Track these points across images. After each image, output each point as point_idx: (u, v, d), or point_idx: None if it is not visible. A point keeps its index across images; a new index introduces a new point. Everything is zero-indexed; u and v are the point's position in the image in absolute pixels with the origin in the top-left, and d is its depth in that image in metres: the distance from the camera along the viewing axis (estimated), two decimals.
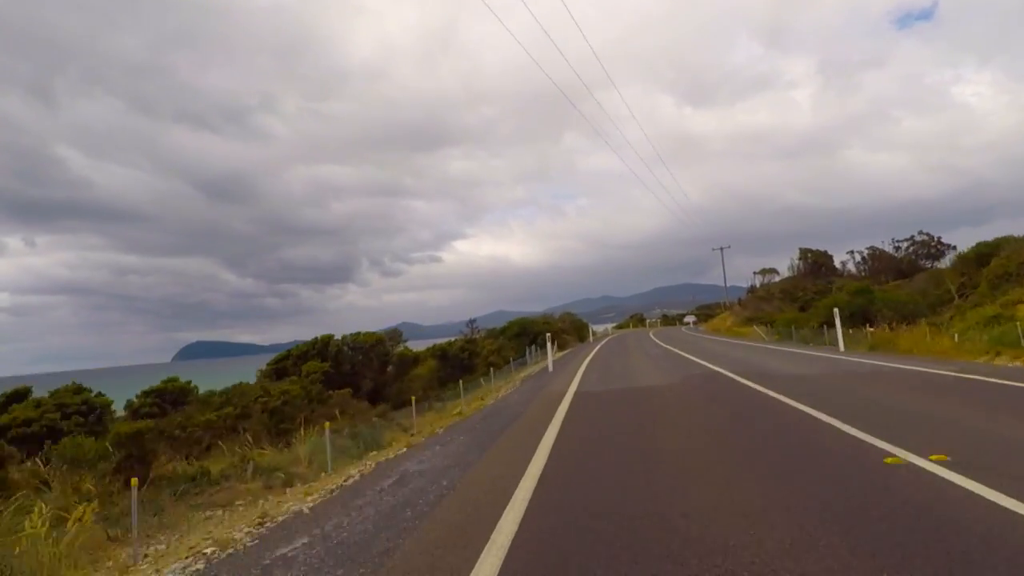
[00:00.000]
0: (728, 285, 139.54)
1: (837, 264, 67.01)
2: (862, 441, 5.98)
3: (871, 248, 63.01)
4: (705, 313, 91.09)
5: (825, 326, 27.12)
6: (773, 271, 77.88)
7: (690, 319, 65.21)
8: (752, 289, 79.16)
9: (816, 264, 65.59)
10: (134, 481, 5.25)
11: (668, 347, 31.71)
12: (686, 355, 24.75)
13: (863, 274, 63.21)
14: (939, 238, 53.54)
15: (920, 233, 55.74)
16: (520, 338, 36.80)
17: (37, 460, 10.56)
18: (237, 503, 7.55)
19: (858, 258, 64.59)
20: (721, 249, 64.32)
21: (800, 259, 66.95)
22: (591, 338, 51.95)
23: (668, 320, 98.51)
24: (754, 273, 79.31)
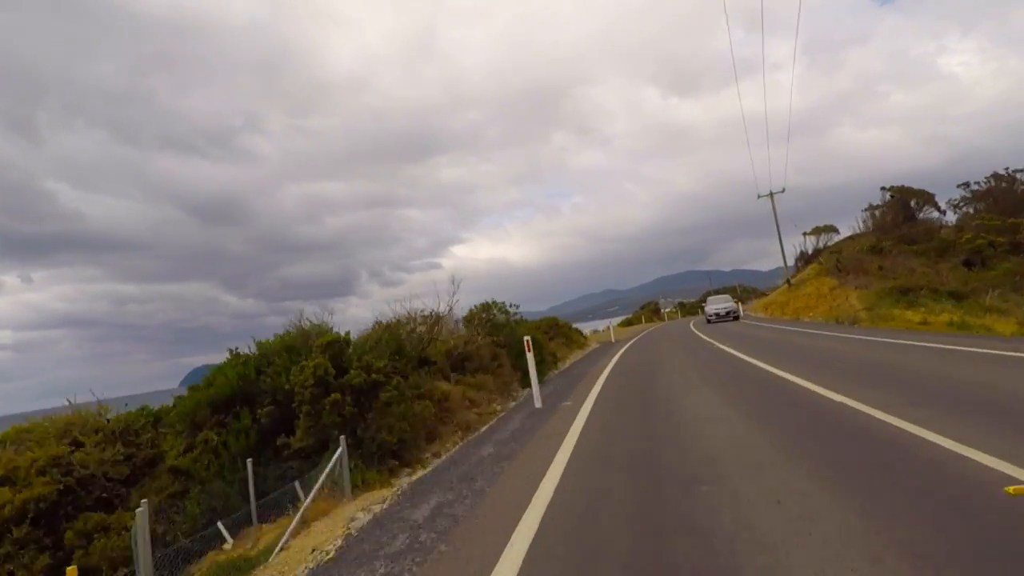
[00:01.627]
0: (731, 269, 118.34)
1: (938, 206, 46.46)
2: None
3: (994, 177, 42.08)
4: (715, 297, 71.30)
5: None
6: (831, 228, 57.50)
7: (718, 307, 33.95)
8: (807, 256, 58.75)
9: (907, 207, 44.99)
10: None
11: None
12: None
13: (980, 214, 42.74)
14: None
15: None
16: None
17: None
18: None
19: (961, 195, 43.96)
20: (771, 195, 43.76)
21: (882, 206, 46.48)
22: (585, 350, 29.24)
23: (691, 308, 78.07)
24: (804, 235, 59.15)
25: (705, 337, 20.09)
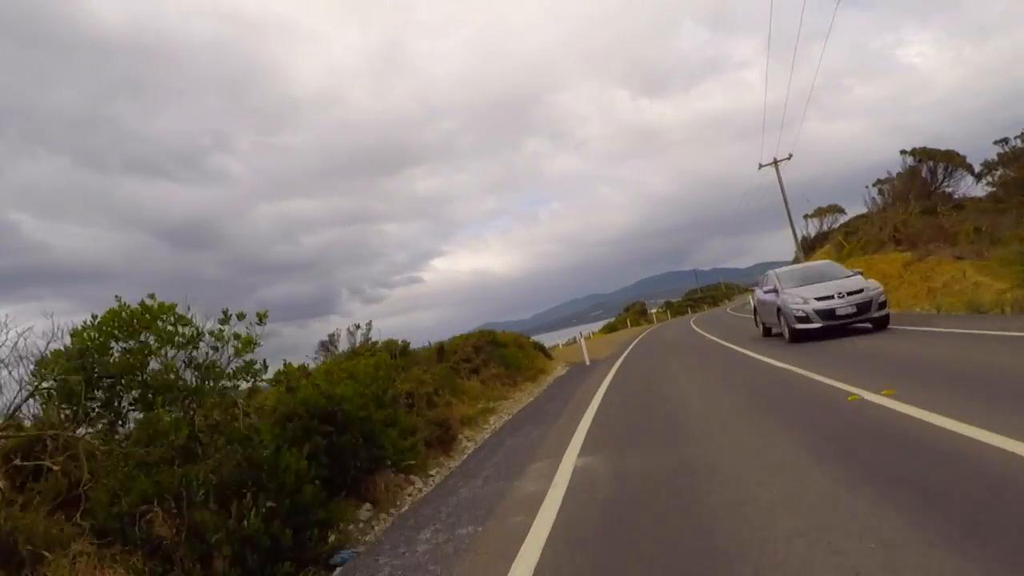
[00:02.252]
0: (709, 268, 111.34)
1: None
2: None
3: None
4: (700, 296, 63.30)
5: None
6: (837, 209, 49.82)
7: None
8: (809, 240, 50.96)
9: (932, 174, 37.30)
10: None
11: None
12: None
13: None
14: None
15: None
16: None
17: None
18: None
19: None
20: (775, 162, 35.67)
21: (904, 174, 38.75)
22: (542, 384, 18.53)
23: (679, 308, 70.17)
24: (805, 217, 51.45)
25: (787, 367, 9.32)
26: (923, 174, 37.67)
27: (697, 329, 25.80)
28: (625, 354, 19.12)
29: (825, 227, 49.93)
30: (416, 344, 13.55)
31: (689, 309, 72.41)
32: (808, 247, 50.97)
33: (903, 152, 36.97)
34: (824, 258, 40.70)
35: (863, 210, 45.30)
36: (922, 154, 35.10)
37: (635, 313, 47.58)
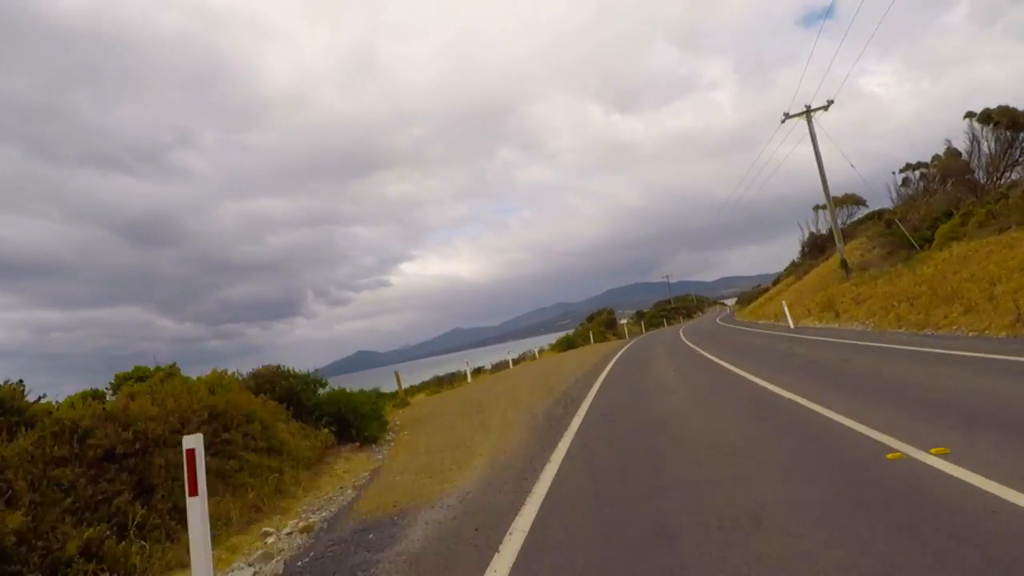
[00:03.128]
0: (676, 281, 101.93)
1: None
2: None
3: None
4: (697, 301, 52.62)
5: None
6: (855, 200, 39.75)
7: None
8: (818, 239, 40.73)
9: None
10: None
11: None
12: None
13: None
14: None
15: None
16: None
17: None
18: None
19: None
20: (808, 112, 24.77)
21: (948, 154, 28.65)
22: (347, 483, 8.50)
23: (652, 319, 59.67)
24: (816, 209, 41.29)
25: None
26: (985, 147, 27.80)
27: (711, 357, 14.56)
28: (589, 405, 8.08)
29: (840, 222, 39.92)
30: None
31: (664, 320, 62.12)
32: (816, 245, 40.99)
33: (969, 114, 26.94)
34: (857, 252, 30.51)
35: (894, 199, 35.62)
36: (1005, 115, 25.02)
37: (601, 324, 37.06)
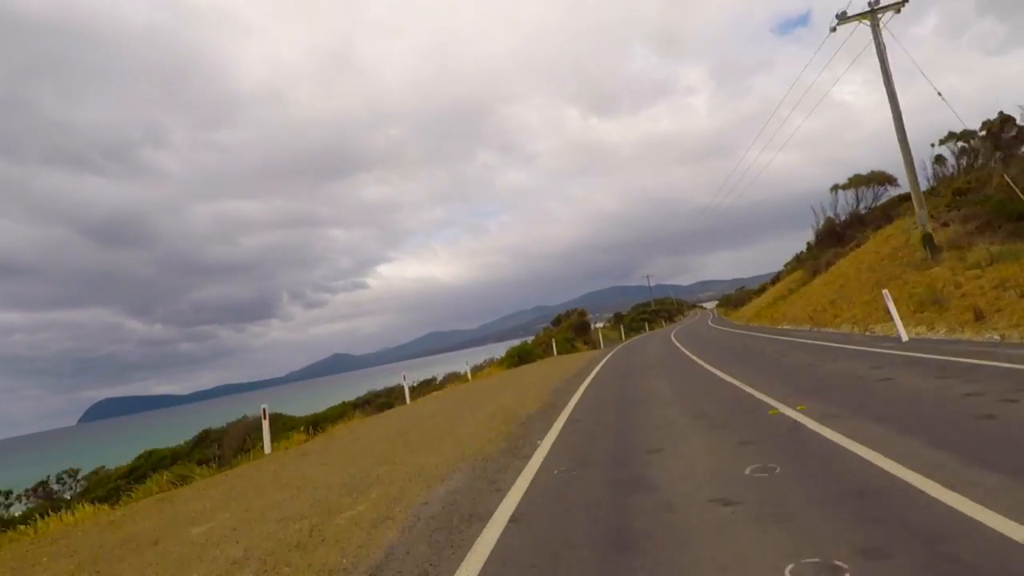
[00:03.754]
0: (654, 284, 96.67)
1: None
2: None
3: None
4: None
5: None
6: (883, 178, 31.82)
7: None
8: (837, 226, 32.68)
9: None
10: None
11: None
12: None
13: None
14: None
15: None
16: None
17: None
18: None
19: None
20: (872, 10, 16.35)
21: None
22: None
23: (633, 323, 51.52)
24: (834, 189, 33.16)
25: None
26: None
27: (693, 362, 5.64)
28: None
29: (863, 204, 32.05)
30: None
31: (646, 324, 53.99)
32: (834, 233, 33.00)
33: None
34: (896, 237, 22.44)
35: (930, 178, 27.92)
36: None
37: (570, 328, 28.54)
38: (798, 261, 39.87)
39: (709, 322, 44.07)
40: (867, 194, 31.72)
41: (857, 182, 31.17)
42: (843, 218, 31.89)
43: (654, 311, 77.16)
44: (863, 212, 31.17)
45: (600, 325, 48.34)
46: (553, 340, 23.84)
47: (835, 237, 32.23)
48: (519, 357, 22.78)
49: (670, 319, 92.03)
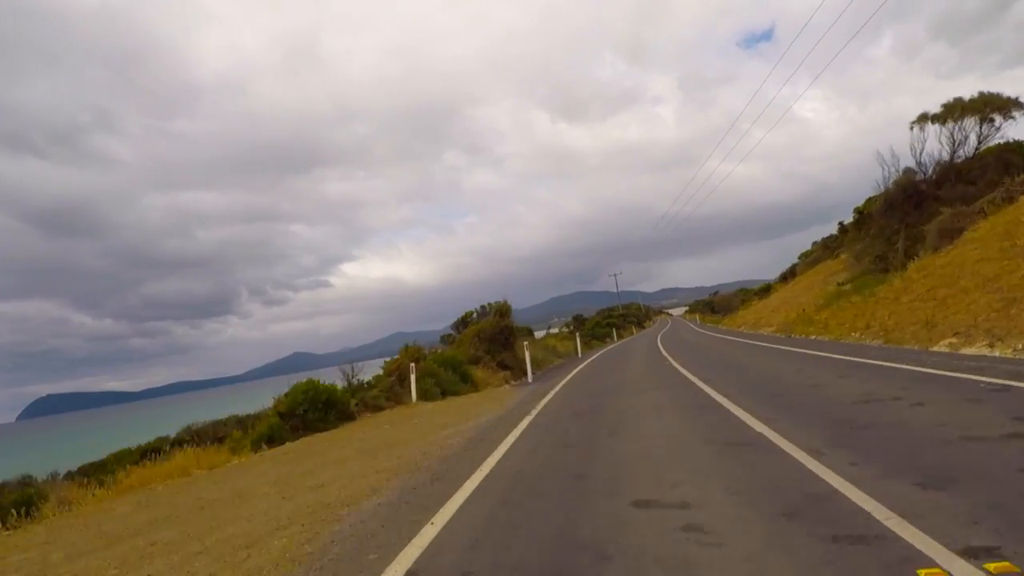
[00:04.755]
0: (613, 291, 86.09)
1: None
2: None
3: None
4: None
5: None
6: (1004, 101, 19.84)
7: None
8: (915, 186, 20.57)
9: None
10: None
11: None
12: None
13: None
14: None
15: None
16: None
17: None
18: None
19: None
20: None
21: None
22: None
23: (596, 328, 39.18)
24: (914, 124, 21.19)
25: None
26: None
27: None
28: None
29: (970, 141, 19.95)
30: None
31: (613, 331, 41.55)
32: (915, 193, 20.67)
33: None
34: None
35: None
36: None
37: (478, 339, 15.38)
38: (827, 248, 27.95)
39: (693, 327, 32.02)
40: (961, 129, 19.69)
41: (955, 110, 19.14)
42: (928, 172, 19.84)
43: (621, 315, 65.07)
44: (966, 159, 19.23)
45: (544, 333, 35.58)
46: (412, 374, 10.68)
47: (912, 202, 20.14)
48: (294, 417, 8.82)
49: (639, 325, 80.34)
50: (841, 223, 28.33)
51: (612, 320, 54.86)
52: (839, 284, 20.48)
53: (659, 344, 23.46)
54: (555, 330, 40.33)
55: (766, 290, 36.05)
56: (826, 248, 28.75)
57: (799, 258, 33.93)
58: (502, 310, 14.20)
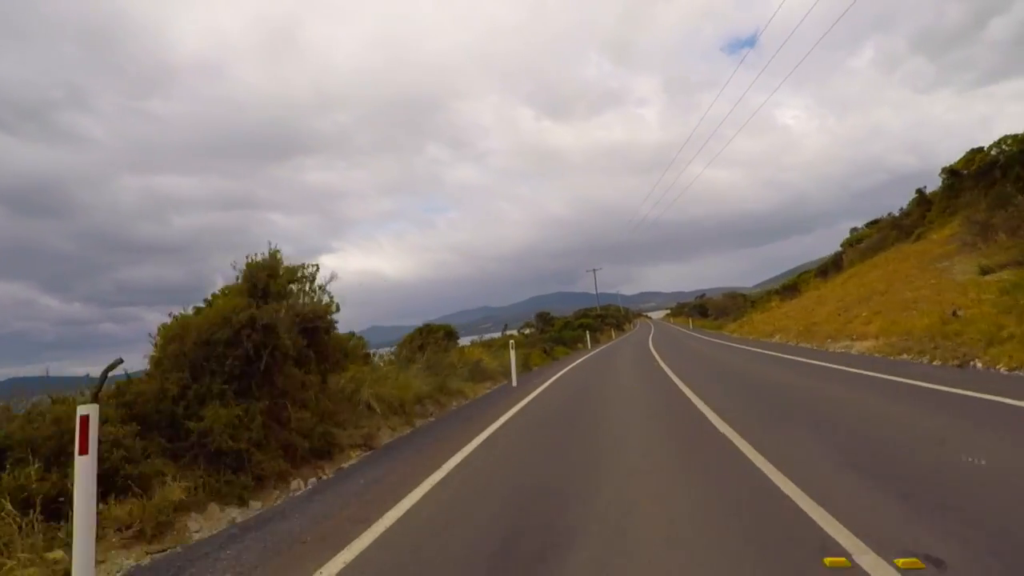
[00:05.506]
0: (592, 293, 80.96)
1: None
2: None
3: None
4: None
5: None
6: None
7: None
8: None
9: None
10: None
11: None
12: None
13: None
14: None
15: None
16: None
17: None
18: None
19: None
20: None
21: None
22: None
23: (573, 329, 30.17)
24: None
25: None
26: None
27: None
28: None
29: None
30: None
31: (587, 334, 32.37)
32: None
33: None
34: None
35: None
36: None
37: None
38: (898, 228, 19.11)
39: (695, 335, 23.08)
40: None
41: None
42: None
43: (599, 316, 55.73)
44: None
45: (510, 333, 26.27)
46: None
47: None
48: None
49: (618, 327, 71.60)
50: (920, 191, 19.73)
51: (587, 322, 45.66)
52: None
53: (658, 358, 14.28)
54: (515, 332, 30.95)
55: (789, 289, 27.08)
56: (897, 228, 19.97)
57: (843, 246, 25.10)
58: (272, 269, 4.87)
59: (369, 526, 3.57)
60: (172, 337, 5.22)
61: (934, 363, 8.61)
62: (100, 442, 3.21)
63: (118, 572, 3.35)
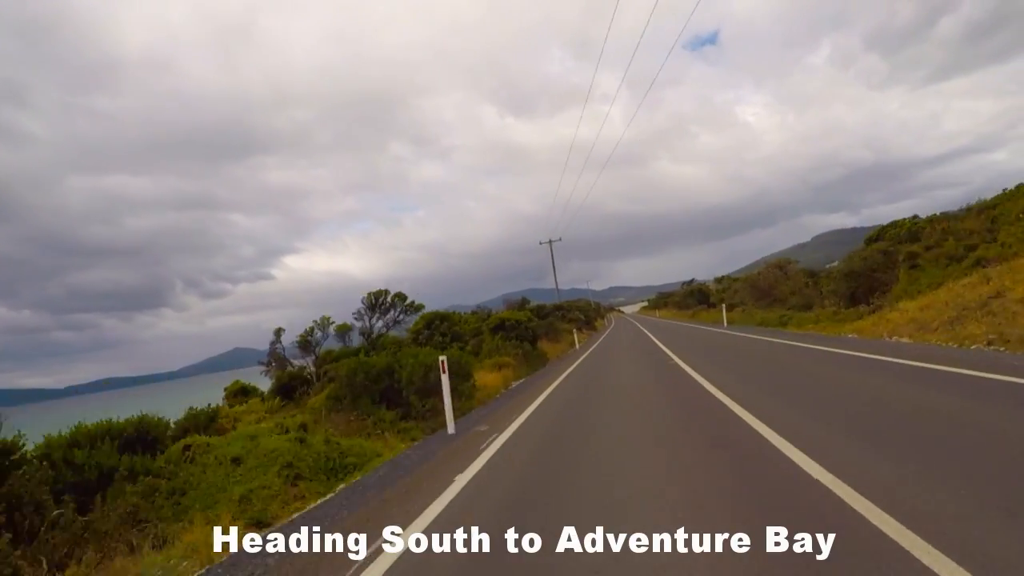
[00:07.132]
0: (567, 287, 63.04)
1: None
2: None
3: None
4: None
5: None
6: None
7: None
8: None
9: None
10: None
11: None
12: None
13: None
14: None
15: None
16: None
17: None
18: None
19: None
20: None
21: None
22: None
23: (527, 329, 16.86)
24: None
25: None
26: None
27: None
28: None
29: None
30: None
31: (531, 345, 19.01)
32: None
33: None
34: None
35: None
36: None
37: None
38: None
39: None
40: None
41: None
42: None
43: (559, 307, 40.72)
44: None
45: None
46: None
47: None
48: None
49: (589, 324, 58.24)
50: None
51: (559, 310, 31.40)
52: None
53: None
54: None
55: (959, 259, 12.80)
56: None
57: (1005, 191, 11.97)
58: None
59: None
60: None
61: None
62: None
63: None
